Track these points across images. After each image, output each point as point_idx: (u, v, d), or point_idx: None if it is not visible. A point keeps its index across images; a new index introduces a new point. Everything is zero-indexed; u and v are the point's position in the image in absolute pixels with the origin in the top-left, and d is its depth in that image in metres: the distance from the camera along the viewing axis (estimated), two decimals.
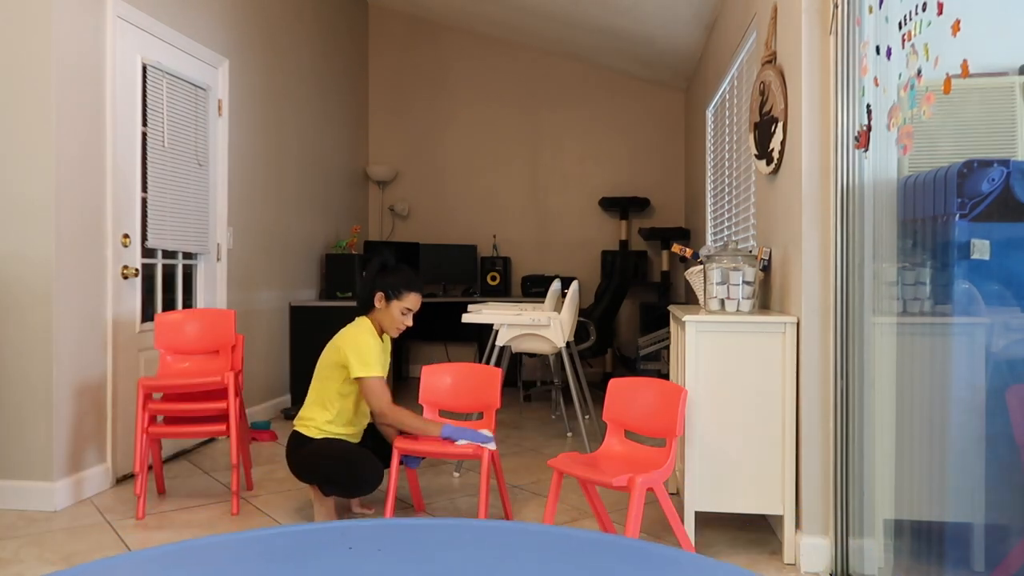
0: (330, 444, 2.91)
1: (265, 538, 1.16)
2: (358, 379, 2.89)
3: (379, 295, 3.01)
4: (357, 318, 3.05)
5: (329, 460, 2.84)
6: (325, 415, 2.94)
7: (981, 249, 1.79)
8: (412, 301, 3.02)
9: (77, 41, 3.23)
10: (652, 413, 2.66)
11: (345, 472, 2.81)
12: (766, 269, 3.17)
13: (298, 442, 2.94)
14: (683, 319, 2.69)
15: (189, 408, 3.11)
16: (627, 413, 2.74)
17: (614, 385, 2.78)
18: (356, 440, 3.05)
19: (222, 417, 3.19)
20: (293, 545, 1.13)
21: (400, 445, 2.87)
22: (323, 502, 2.91)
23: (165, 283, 3.93)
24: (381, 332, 3.05)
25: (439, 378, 3.15)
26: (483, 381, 3.11)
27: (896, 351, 2.26)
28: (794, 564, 2.59)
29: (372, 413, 2.97)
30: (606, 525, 2.79)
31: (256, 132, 4.84)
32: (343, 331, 2.99)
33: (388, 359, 3.08)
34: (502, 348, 4.14)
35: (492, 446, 2.83)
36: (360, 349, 2.89)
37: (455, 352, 6.98)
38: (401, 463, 2.94)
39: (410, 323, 3.03)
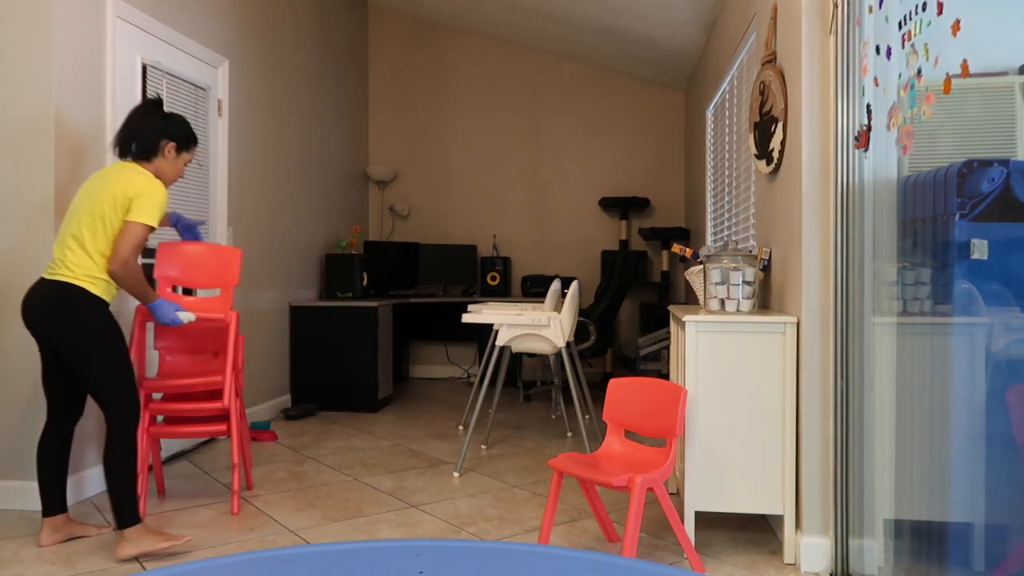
0: (112, 330, 2.60)
1: (330, 554, 1.12)
2: (129, 221, 2.57)
3: (169, 145, 2.75)
4: (129, 163, 2.71)
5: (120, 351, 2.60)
6: (98, 265, 2.59)
7: (981, 249, 1.79)
8: (193, 154, 2.87)
9: (77, 41, 3.23)
10: (652, 413, 2.66)
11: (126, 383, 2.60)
12: (766, 269, 3.17)
13: (63, 293, 2.55)
14: (683, 319, 2.69)
15: (189, 408, 3.10)
16: (627, 413, 2.74)
17: (614, 385, 2.78)
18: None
19: (222, 417, 3.19)
20: (360, 564, 1.10)
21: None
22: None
23: None
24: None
25: (176, 258, 3.26)
26: (222, 261, 3.29)
27: (896, 351, 2.26)
28: (794, 564, 2.59)
29: (115, 253, 2.58)
30: (606, 525, 2.80)
31: (256, 132, 4.84)
32: (126, 172, 2.63)
33: None
34: (502, 348, 4.14)
35: (181, 320, 2.81)
36: (154, 197, 2.60)
37: (455, 352, 6.98)
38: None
39: (183, 176, 2.90)
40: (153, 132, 2.74)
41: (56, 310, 2.55)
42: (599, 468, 2.55)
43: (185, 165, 2.84)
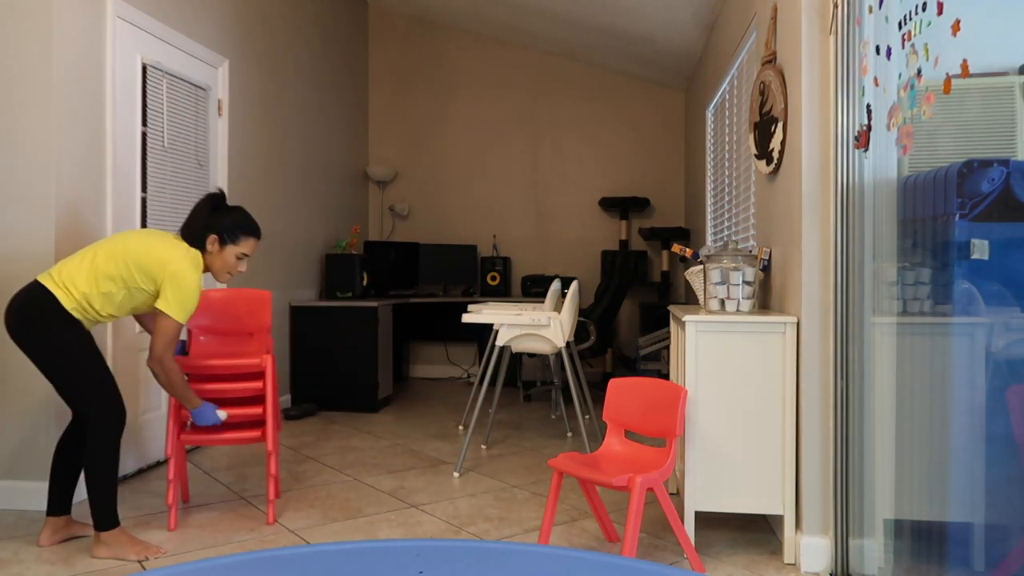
0: (75, 333, 2.55)
1: (330, 554, 1.12)
2: (161, 312, 2.57)
3: (212, 238, 2.71)
4: (190, 249, 2.68)
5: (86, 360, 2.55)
6: (92, 288, 2.56)
7: (981, 249, 1.79)
8: (249, 246, 2.78)
9: (77, 41, 3.23)
10: (652, 413, 2.66)
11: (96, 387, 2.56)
12: (766, 269, 3.17)
13: (42, 299, 2.52)
14: (683, 319, 2.69)
15: (224, 388, 2.98)
16: (627, 413, 2.74)
17: (614, 385, 2.78)
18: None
19: (256, 423, 3.08)
20: (360, 565, 1.09)
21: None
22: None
23: None
24: (205, 270, 2.77)
25: (205, 307, 3.23)
26: (252, 305, 3.26)
27: (896, 351, 2.26)
28: (794, 564, 2.59)
29: (151, 349, 2.61)
30: (606, 525, 2.80)
31: (256, 132, 4.84)
32: (178, 254, 2.60)
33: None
34: (502, 348, 4.14)
35: (221, 419, 2.83)
36: (183, 288, 2.57)
37: (455, 352, 6.98)
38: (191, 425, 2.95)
39: (244, 269, 2.80)
40: (200, 225, 2.72)
41: (24, 317, 2.52)
42: (599, 468, 2.55)
43: (238, 258, 2.76)
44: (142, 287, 2.61)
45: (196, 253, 2.68)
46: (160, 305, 2.58)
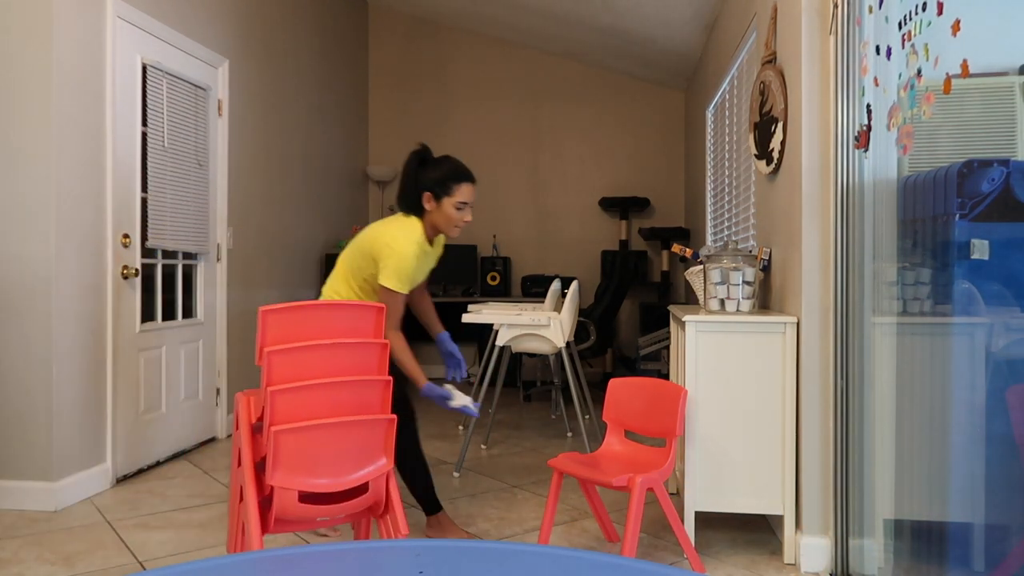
0: None
1: (330, 554, 1.11)
2: (381, 287, 2.58)
3: (426, 196, 2.64)
4: (406, 217, 2.68)
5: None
6: (349, 291, 2.70)
7: (981, 249, 1.79)
8: (465, 193, 2.65)
9: (77, 41, 3.23)
10: (652, 413, 2.66)
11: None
12: (766, 269, 3.17)
13: None
14: (683, 319, 2.69)
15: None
16: (627, 413, 2.74)
17: (614, 385, 2.78)
18: None
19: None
20: (360, 565, 1.09)
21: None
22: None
23: (165, 283, 3.93)
24: (435, 235, 2.74)
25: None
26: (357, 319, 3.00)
27: (896, 351, 2.26)
28: (794, 564, 2.59)
29: None
30: (606, 525, 2.80)
31: (256, 132, 4.84)
32: (391, 228, 2.62)
33: (432, 265, 2.82)
34: (502, 348, 4.14)
35: (474, 412, 2.58)
36: (393, 256, 2.54)
37: None
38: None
39: (469, 217, 2.67)
40: (411, 187, 2.67)
41: None
42: (599, 468, 2.55)
43: (458, 208, 2.64)
44: (373, 272, 2.63)
45: (410, 221, 2.64)
46: (379, 280, 2.57)
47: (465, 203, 2.65)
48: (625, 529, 2.38)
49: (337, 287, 2.72)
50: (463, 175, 2.66)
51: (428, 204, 2.65)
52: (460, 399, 2.55)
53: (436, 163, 2.68)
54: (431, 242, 2.75)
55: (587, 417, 4.95)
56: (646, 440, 3.68)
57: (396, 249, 2.55)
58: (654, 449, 2.66)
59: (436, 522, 2.80)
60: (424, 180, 2.65)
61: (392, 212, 6.98)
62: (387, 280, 2.55)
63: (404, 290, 2.57)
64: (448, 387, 2.58)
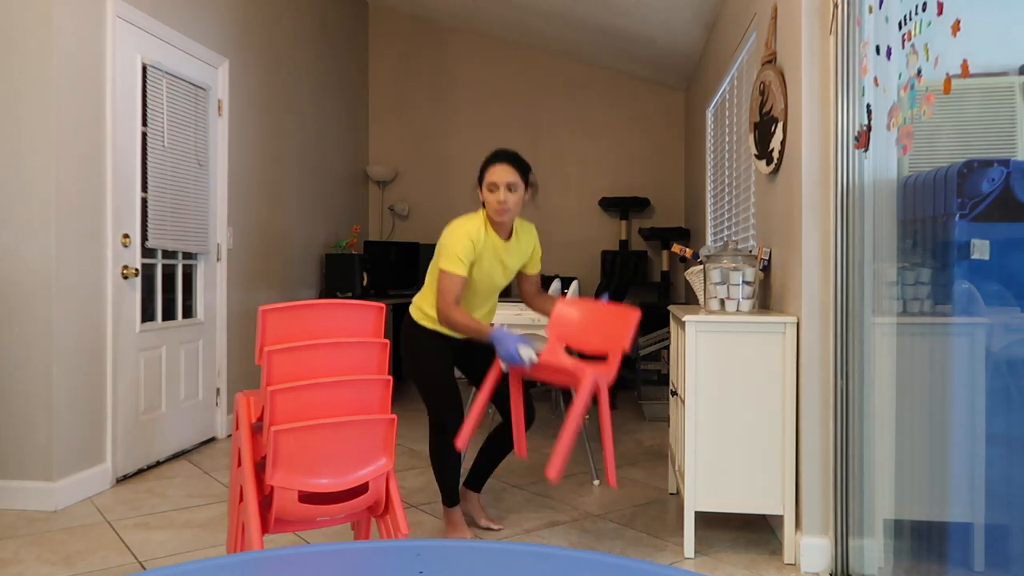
0: (427, 352, 2.82)
1: (330, 554, 1.11)
2: (439, 268, 2.71)
3: (478, 190, 2.82)
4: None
5: (420, 373, 2.81)
6: (428, 300, 2.83)
7: (981, 249, 1.79)
8: (494, 174, 2.72)
9: (77, 41, 3.23)
10: (597, 332, 2.61)
11: (427, 385, 2.79)
12: (766, 269, 3.17)
13: (406, 324, 2.90)
14: (683, 319, 2.69)
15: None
16: (571, 330, 2.68)
17: (561, 304, 2.72)
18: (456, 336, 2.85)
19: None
20: (360, 565, 1.08)
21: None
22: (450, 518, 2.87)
23: (165, 283, 3.93)
24: (502, 226, 2.80)
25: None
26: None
27: (896, 351, 2.26)
28: (794, 564, 2.59)
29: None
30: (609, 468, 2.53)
31: (256, 132, 4.84)
32: (453, 222, 2.79)
33: (514, 260, 2.88)
34: None
35: (527, 361, 2.49)
36: (449, 241, 2.69)
37: None
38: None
39: (502, 197, 2.69)
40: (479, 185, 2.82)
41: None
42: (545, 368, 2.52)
43: (490, 191, 2.72)
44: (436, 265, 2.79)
45: (472, 214, 2.79)
46: (438, 265, 2.72)
47: (496, 184, 2.70)
48: (567, 417, 2.36)
49: (424, 294, 2.86)
50: (490, 158, 2.78)
51: (481, 196, 2.79)
52: (527, 352, 2.51)
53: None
54: (505, 234, 2.82)
55: (587, 417, 4.95)
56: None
57: (448, 232, 2.72)
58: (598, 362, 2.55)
59: (448, 516, 2.88)
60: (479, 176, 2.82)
61: (391, 212, 7.02)
62: (439, 260, 2.70)
63: (456, 270, 2.66)
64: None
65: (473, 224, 2.74)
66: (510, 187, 2.71)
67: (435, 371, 2.82)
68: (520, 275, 3.00)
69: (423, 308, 2.84)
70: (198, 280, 4.22)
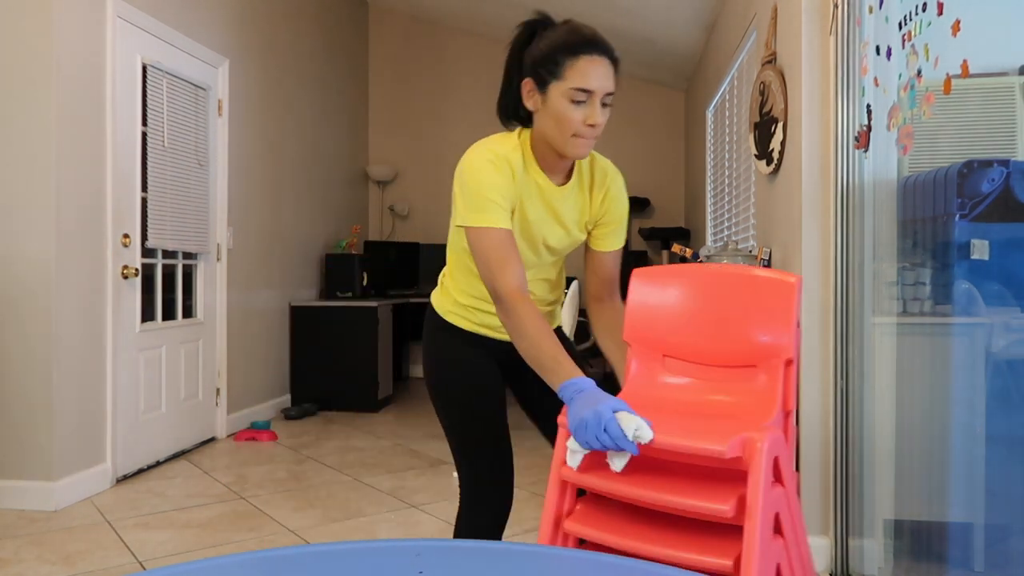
0: (454, 366, 1.74)
1: (330, 554, 1.10)
2: (459, 226, 1.59)
3: (526, 87, 1.57)
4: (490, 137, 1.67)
5: (436, 382, 1.76)
6: (456, 280, 1.76)
7: (981, 249, 1.79)
8: (587, 72, 1.50)
9: (77, 41, 3.23)
10: (728, 323, 1.46)
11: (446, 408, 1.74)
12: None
13: (426, 321, 1.83)
14: None
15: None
16: (671, 327, 1.52)
17: (640, 275, 1.62)
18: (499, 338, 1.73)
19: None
20: (359, 565, 1.07)
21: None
22: None
23: (165, 283, 3.93)
24: (561, 160, 1.61)
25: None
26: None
27: (896, 351, 2.26)
28: None
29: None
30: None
31: (256, 132, 4.84)
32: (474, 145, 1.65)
33: (576, 215, 1.69)
34: None
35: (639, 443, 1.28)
36: (470, 178, 1.56)
37: None
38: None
39: (598, 119, 1.50)
40: (509, 78, 1.66)
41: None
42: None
43: (573, 102, 1.49)
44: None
45: (494, 138, 1.65)
46: (454, 223, 1.63)
47: (587, 90, 1.49)
48: (743, 555, 1.23)
49: (451, 273, 1.79)
50: (576, 47, 1.54)
51: (530, 101, 1.57)
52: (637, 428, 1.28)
53: (545, 34, 1.59)
54: (561, 174, 1.65)
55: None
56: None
57: (465, 171, 1.57)
58: (742, 392, 1.46)
59: None
60: (528, 61, 1.57)
61: (391, 212, 7.02)
62: (461, 218, 1.56)
63: (489, 220, 1.52)
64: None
65: (499, 145, 1.62)
66: (606, 101, 1.53)
67: (467, 403, 1.72)
68: (588, 251, 1.77)
69: (450, 289, 1.76)
70: (198, 280, 4.22)
